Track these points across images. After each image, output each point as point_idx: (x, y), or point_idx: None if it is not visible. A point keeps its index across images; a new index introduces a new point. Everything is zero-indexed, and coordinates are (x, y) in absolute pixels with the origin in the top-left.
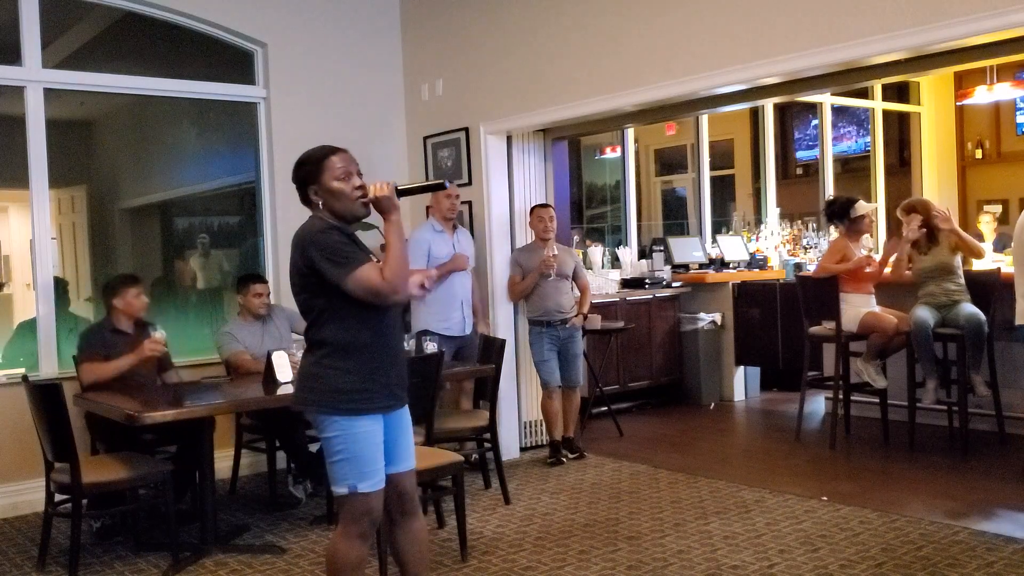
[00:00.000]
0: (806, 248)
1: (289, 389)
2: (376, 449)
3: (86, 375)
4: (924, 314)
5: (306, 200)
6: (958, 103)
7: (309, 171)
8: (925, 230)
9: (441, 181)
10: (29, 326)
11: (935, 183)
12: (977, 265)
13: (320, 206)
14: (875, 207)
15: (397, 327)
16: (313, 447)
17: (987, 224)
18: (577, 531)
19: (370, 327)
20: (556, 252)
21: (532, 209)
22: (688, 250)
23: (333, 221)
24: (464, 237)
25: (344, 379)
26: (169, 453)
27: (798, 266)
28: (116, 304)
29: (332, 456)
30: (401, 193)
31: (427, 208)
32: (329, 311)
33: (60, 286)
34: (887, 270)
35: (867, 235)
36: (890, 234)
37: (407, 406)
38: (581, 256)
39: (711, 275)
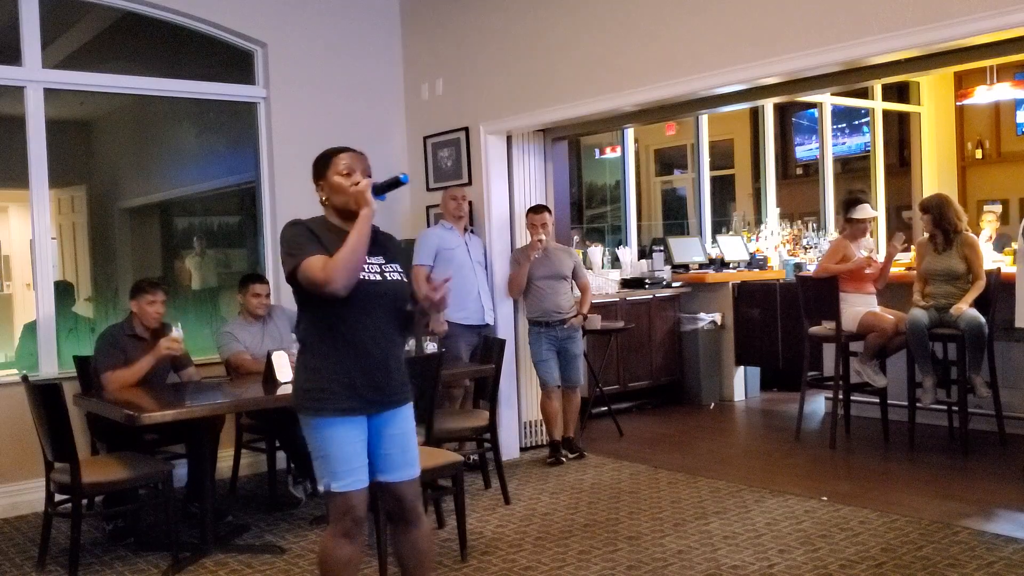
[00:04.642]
0: (806, 248)
1: (289, 389)
2: (349, 449)
3: (112, 385)
4: (918, 314)
5: (320, 196)
6: (958, 103)
7: (320, 167)
8: (911, 240)
9: (397, 176)
10: (32, 327)
11: (935, 183)
12: None
13: (325, 201)
14: (875, 215)
15: (375, 327)
16: None
17: (990, 223)
18: (577, 531)
19: (330, 325)
20: (543, 237)
21: (527, 212)
22: (688, 250)
23: (331, 218)
24: (475, 239)
25: (309, 378)
26: (171, 453)
27: (798, 266)
28: (133, 308)
29: (312, 453)
30: (375, 191)
31: (427, 208)
32: (302, 309)
33: (64, 287)
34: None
35: (867, 236)
36: (890, 234)
37: (406, 412)
38: (581, 256)
39: (711, 275)
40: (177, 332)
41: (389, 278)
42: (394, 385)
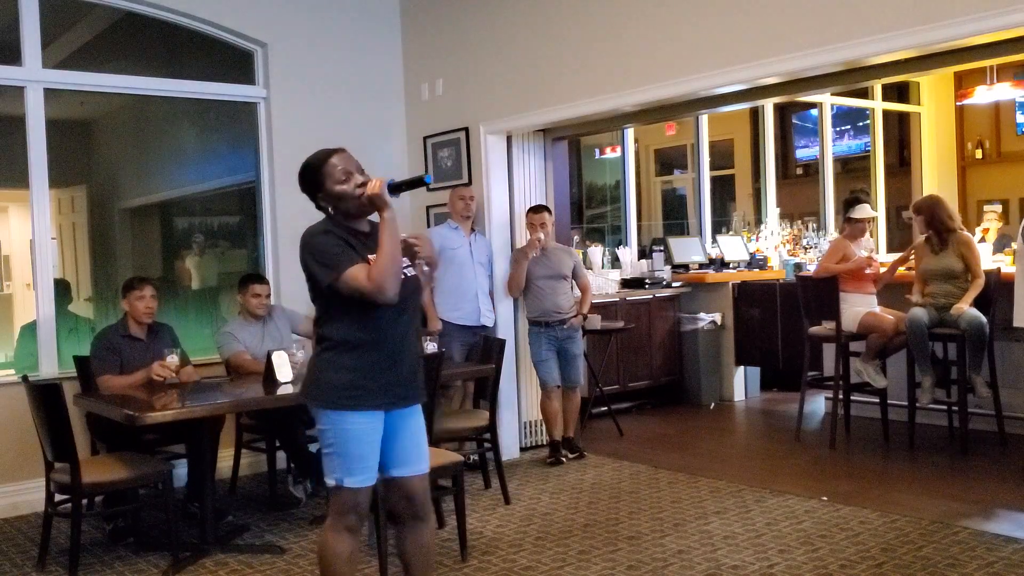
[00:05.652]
0: (806, 248)
1: (289, 389)
2: (367, 447)
3: (103, 388)
4: (919, 313)
5: (320, 207)
6: (958, 103)
7: (312, 180)
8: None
9: (421, 175)
10: (30, 328)
11: (935, 183)
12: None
13: (331, 211)
14: (875, 215)
15: (404, 325)
16: (313, 447)
17: (992, 223)
18: (577, 531)
19: (370, 325)
20: (542, 236)
21: (527, 212)
22: (688, 250)
23: (344, 222)
24: (481, 239)
25: (339, 375)
26: (171, 453)
27: (798, 266)
28: (125, 306)
29: (324, 448)
30: (391, 189)
31: (427, 208)
32: (331, 309)
33: (62, 286)
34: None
35: (867, 236)
36: (891, 235)
37: (419, 409)
38: (581, 256)
39: (711, 275)
40: (171, 359)
41: (409, 275)
42: (418, 382)
